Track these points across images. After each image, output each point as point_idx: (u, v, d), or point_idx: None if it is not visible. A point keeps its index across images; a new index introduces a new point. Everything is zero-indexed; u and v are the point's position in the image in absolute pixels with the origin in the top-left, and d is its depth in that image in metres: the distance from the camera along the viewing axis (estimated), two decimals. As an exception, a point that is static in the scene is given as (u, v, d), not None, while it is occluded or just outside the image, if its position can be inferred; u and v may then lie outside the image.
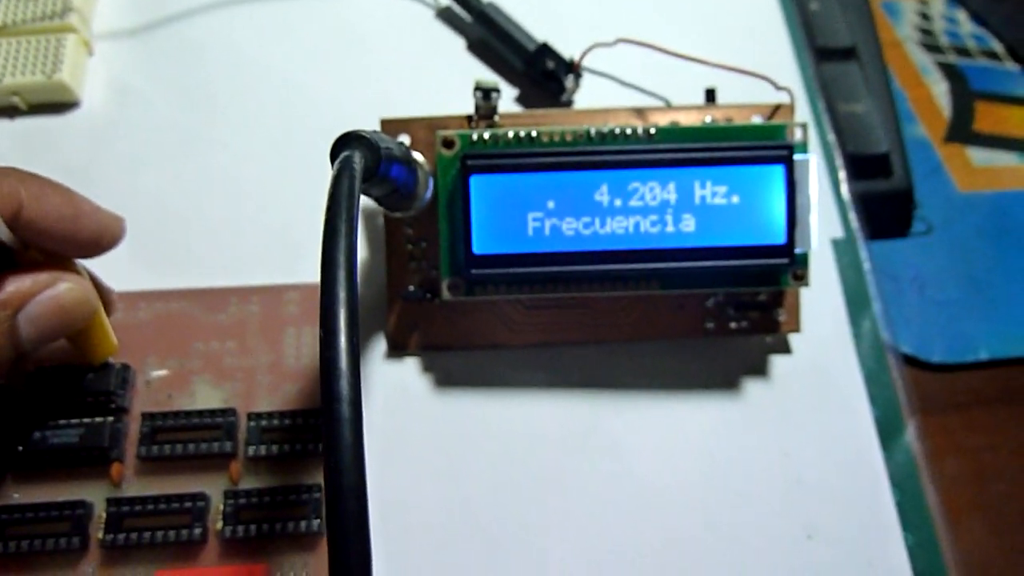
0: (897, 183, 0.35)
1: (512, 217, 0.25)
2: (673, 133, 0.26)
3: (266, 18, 0.35)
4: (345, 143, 0.18)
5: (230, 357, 0.28)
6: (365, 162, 0.18)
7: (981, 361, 0.33)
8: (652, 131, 0.26)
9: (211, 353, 0.28)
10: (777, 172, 0.26)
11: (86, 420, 0.26)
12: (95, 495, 0.26)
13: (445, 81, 0.33)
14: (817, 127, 0.34)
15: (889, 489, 0.28)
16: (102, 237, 0.24)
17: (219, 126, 0.33)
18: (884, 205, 0.35)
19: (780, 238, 0.26)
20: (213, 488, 0.26)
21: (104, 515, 0.25)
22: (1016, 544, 0.30)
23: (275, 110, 0.33)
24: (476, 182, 0.25)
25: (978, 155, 0.39)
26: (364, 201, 0.30)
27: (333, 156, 0.18)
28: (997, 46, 0.43)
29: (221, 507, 0.25)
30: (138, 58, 0.34)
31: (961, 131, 0.40)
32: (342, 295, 0.13)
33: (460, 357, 0.29)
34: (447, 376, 0.29)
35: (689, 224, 0.26)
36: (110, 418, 0.26)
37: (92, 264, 0.27)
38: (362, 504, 0.12)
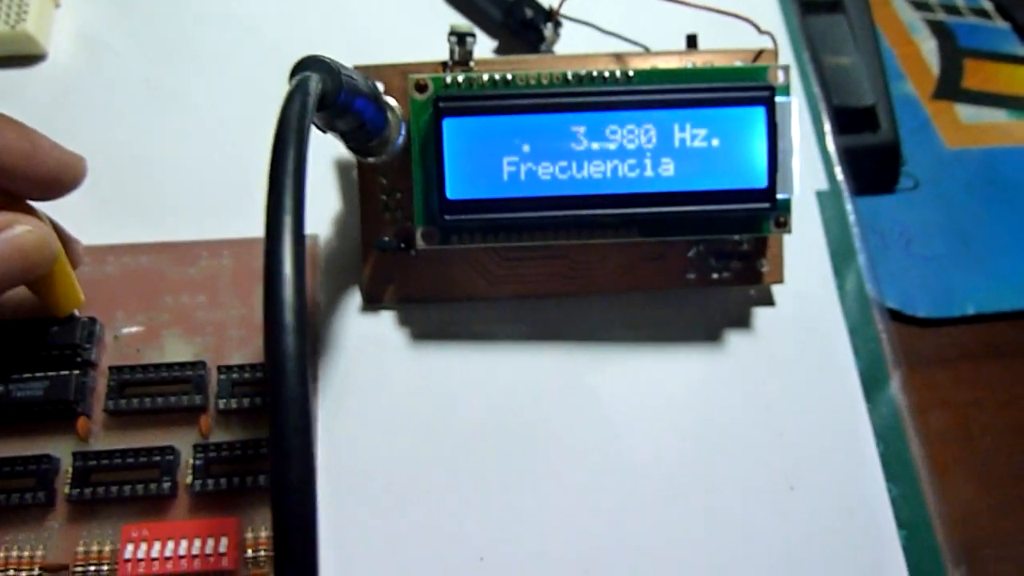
0: (883, 137, 0.34)
1: (486, 161, 0.25)
2: (652, 76, 0.26)
3: (238, -31, 0.34)
4: (304, 66, 0.17)
5: (201, 311, 0.28)
6: (323, 86, 0.17)
7: (967, 316, 0.32)
8: (630, 74, 0.25)
9: (181, 307, 0.28)
10: (758, 114, 0.25)
11: (51, 373, 0.25)
12: (61, 450, 0.25)
13: (421, 32, 0.32)
14: (802, 79, 0.33)
15: (873, 441, 0.28)
16: (62, 175, 0.23)
17: (188, 77, 0.32)
18: (870, 159, 0.34)
19: (761, 182, 0.25)
20: (183, 442, 0.25)
21: (71, 470, 0.25)
22: (1002, 498, 0.29)
23: (245, 60, 0.32)
24: (449, 125, 0.25)
25: (966, 112, 0.38)
26: (339, 151, 0.30)
27: (291, 79, 0.17)
28: (986, 3, 0.43)
29: (191, 461, 0.25)
30: (105, 9, 0.33)
31: (949, 88, 0.39)
32: (288, 202, 0.12)
33: (437, 310, 0.28)
34: (424, 329, 0.28)
35: (668, 168, 0.25)
36: (76, 371, 0.25)
37: (60, 218, 0.26)
38: (305, 415, 0.11)
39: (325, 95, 0.17)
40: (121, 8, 0.33)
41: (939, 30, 0.41)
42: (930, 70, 0.40)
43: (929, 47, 0.40)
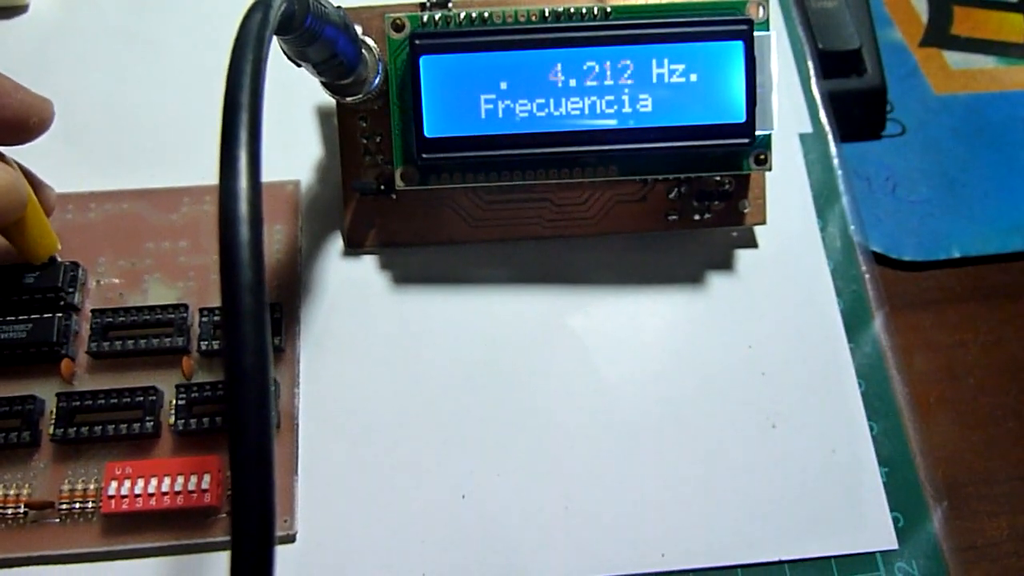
0: (870, 81, 0.34)
1: (464, 99, 0.25)
2: (630, 11, 0.25)
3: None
4: (268, -15, 0.17)
5: (183, 256, 0.28)
6: (288, 6, 0.17)
7: (953, 259, 0.32)
8: (608, 9, 0.25)
9: (163, 253, 0.28)
10: (736, 48, 0.25)
11: (34, 316, 0.25)
12: (45, 391, 0.25)
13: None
14: (786, 21, 0.33)
15: (855, 380, 0.28)
16: (28, 118, 0.23)
17: (167, 27, 0.32)
18: (856, 104, 0.34)
19: (740, 117, 0.25)
20: (165, 383, 0.26)
21: (55, 410, 0.25)
22: (985, 437, 0.29)
23: (225, 7, 0.32)
24: (426, 63, 0.25)
25: (955, 58, 0.38)
26: (319, 98, 0.29)
27: (255, -2, 0.17)
28: (977, -50, 0.42)
29: (173, 401, 0.25)
30: (85, -40, 0.33)
31: (938, 35, 0.39)
32: (244, 108, 0.12)
33: (419, 253, 0.28)
34: (406, 273, 0.28)
35: (646, 104, 0.25)
36: (59, 315, 0.26)
37: (41, 166, 0.26)
38: (259, 301, 0.11)
39: (292, 16, 0.17)
40: (100, -43, 0.33)
41: (929, -23, 0.41)
42: (919, 17, 0.39)
43: (918, -6, 0.40)
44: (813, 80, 0.32)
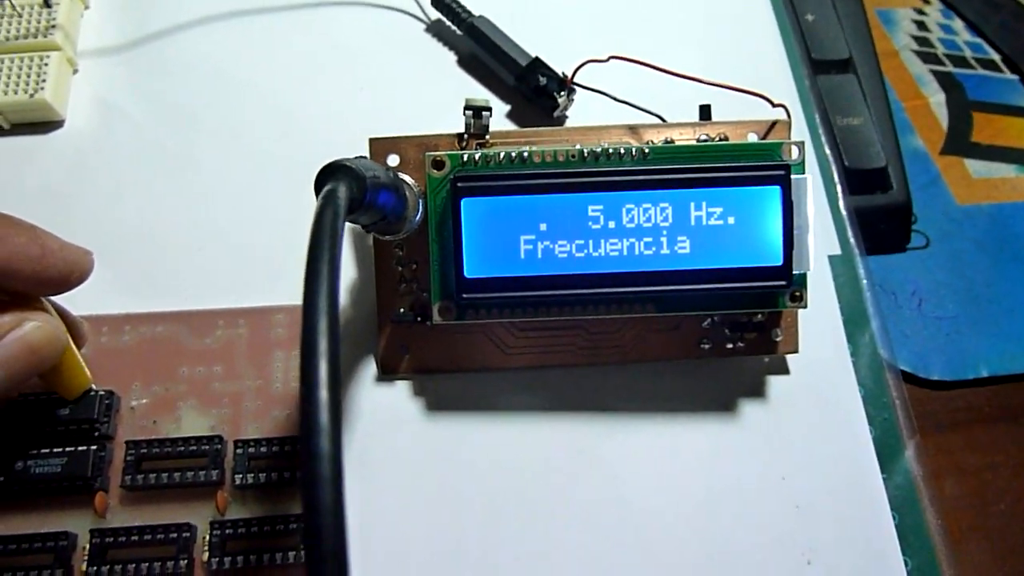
0: (895, 197, 0.34)
1: (504, 240, 0.25)
2: (667, 152, 0.26)
3: (253, 35, 0.34)
4: (330, 174, 0.17)
5: (217, 382, 0.28)
6: (350, 193, 0.17)
7: (981, 378, 0.32)
8: (646, 151, 0.26)
9: (197, 378, 0.28)
10: (773, 193, 0.25)
11: (69, 449, 0.25)
12: (79, 526, 0.25)
13: (436, 97, 0.32)
14: (814, 142, 0.33)
15: (889, 513, 0.28)
16: (71, 274, 0.23)
17: (204, 145, 0.32)
18: (882, 219, 0.34)
19: (777, 259, 0.25)
20: (199, 518, 0.26)
21: (88, 546, 0.25)
22: (1017, 566, 0.29)
23: (261, 129, 0.32)
24: (467, 205, 0.25)
25: (976, 167, 0.38)
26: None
27: (317, 188, 0.17)
28: (994, 55, 0.43)
29: (207, 537, 0.25)
30: (123, 76, 0.33)
31: (959, 142, 0.39)
32: (323, 347, 0.12)
33: (452, 380, 0.28)
34: (439, 400, 0.28)
35: (684, 246, 0.25)
36: (94, 447, 0.26)
37: (76, 289, 0.26)
38: (340, 543, 0.11)
39: (352, 202, 0.17)
40: (138, 75, 0.33)
41: (947, 83, 0.41)
42: (939, 124, 0.40)
43: (938, 100, 0.41)
44: (841, 199, 0.33)
